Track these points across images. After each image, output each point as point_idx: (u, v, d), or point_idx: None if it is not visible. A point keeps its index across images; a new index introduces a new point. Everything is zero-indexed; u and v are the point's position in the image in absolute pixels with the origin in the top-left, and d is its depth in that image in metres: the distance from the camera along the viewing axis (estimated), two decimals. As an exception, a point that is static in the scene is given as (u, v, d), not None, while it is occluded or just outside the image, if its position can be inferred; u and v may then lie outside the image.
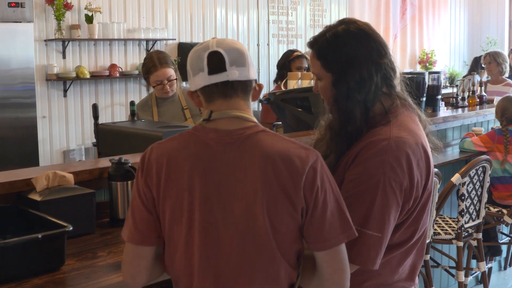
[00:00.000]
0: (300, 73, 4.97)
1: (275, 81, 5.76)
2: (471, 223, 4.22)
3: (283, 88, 4.81)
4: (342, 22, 2.09)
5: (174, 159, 1.78)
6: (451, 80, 10.52)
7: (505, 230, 5.54)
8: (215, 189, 1.74)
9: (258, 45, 8.74)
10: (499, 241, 5.36)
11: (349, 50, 2.01)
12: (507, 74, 7.16)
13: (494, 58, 6.96)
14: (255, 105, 8.50)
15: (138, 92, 7.51)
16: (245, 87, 1.83)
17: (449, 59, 11.77)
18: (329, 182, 1.77)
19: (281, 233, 1.73)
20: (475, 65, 8.24)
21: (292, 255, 1.78)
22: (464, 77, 8.14)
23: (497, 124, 5.46)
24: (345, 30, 2.04)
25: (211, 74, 1.78)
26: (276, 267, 1.75)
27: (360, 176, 1.93)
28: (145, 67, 4.08)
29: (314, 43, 2.09)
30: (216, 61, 1.78)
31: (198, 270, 1.77)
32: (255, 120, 1.84)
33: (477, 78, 6.59)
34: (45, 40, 6.66)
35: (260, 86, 1.89)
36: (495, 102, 5.44)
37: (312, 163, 1.74)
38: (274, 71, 8.88)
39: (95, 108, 4.03)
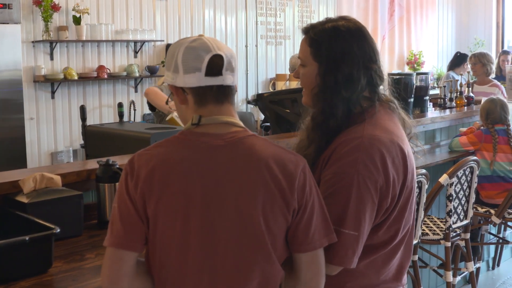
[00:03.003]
0: (288, 74, 4.97)
1: None
2: (459, 224, 4.24)
3: (270, 89, 4.82)
4: (343, 18, 2.08)
5: (166, 164, 1.76)
6: (439, 81, 10.56)
7: (493, 230, 5.57)
8: (210, 191, 1.74)
9: (246, 46, 8.74)
10: (486, 241, 5.39)
11: (345, 46, 2.00)
12: (493, 75, 7.19)
13: (479, 59, 6.98)
14: (243, 107, 8.52)
15: (126, 94, 7.50)
16: (233, 92, 1.87)
17: (437, 60, 11.81)
18: (315, 186, 1.83)
19: (274, 234, 1.76)
20: (456, 61, 8.23)
21: (283, 256, 1.81)
22: (448, 70, 8.16)
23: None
24: (346, 26, 2.03)
25: (208, 76, 1.79)
26: (271, 266, 1.77)
27: (334, 175, 1.93)
28: None
29: (310, 29, 2.07)
30: (216, 65, 1.79)
31: (193, 273, 1.75)
32: (243, 125, 1.85)
33: (464, 79, 6.62)
34: (32, 42, 6.64)
35: (235, 86, 1.92)
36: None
37: (302, 167, 1.80)
38: (262, 72, 8.92)
39: (83, 109, 4.02)
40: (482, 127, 5.06)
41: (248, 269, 1.75)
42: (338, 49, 2.01)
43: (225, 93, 1.83)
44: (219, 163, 1.75)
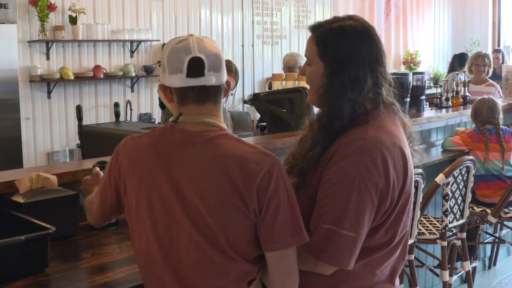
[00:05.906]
0: (284, 74, 4.97)
1: None
2: (455, 223, 4.24)
3: (267, 89, 4.82)
4: (351, 17, 2.07)
5: (140, 154, 1.91)
6: (435, 81, 10.57)
7: (489, 229, 5.57)
8: (174, 186, 1.84)
9: (242, 46, 8.74)
10: (482, 241, 5.39)
11: (352, 47, 1.99)
12: (489, 75, 7.19)
13: (490, 60, 6.98)
14: (240, 107, 8.51)
15: (122, 94, 7.49)
16: (219, 91, 1.92)
17: (433, 60, 11.82)
18: (285, 187, 1.84)
19: (234, 232, 1.82)
20: (456, 63, 8.26)
21: (251, 252, 1.87)
22: (447, 75, 8.18)
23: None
24: (352, 26, 2.01)
25: (189, 77, 1.85)
26: (229, 263, 1.83)
27: (335, 176, 1.92)
28: None
29: (317, 28, 2.06)
30: (196, 66, 1.84)
31: (160, 261, 1.86)
32: (222, 125, 1.92)
33: (461, 77, 6.62)
34: (28, 41, 6.63)
35: (228, 83, 1.95)
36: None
37: (269, 167, 1.81)
38: (258, 72, 8.92)
39: (79, 109, 4.02)
40: (474, 127, 5.08)
41: (208, 262, 1.83)
42: (344, 49, 1.99)
43: (208, 93, 1.88)
44: (186, 161, 1.84)
